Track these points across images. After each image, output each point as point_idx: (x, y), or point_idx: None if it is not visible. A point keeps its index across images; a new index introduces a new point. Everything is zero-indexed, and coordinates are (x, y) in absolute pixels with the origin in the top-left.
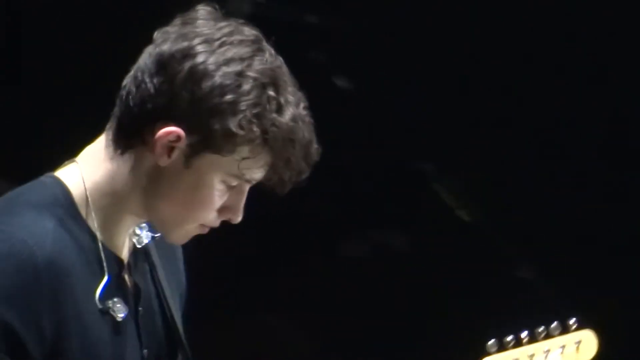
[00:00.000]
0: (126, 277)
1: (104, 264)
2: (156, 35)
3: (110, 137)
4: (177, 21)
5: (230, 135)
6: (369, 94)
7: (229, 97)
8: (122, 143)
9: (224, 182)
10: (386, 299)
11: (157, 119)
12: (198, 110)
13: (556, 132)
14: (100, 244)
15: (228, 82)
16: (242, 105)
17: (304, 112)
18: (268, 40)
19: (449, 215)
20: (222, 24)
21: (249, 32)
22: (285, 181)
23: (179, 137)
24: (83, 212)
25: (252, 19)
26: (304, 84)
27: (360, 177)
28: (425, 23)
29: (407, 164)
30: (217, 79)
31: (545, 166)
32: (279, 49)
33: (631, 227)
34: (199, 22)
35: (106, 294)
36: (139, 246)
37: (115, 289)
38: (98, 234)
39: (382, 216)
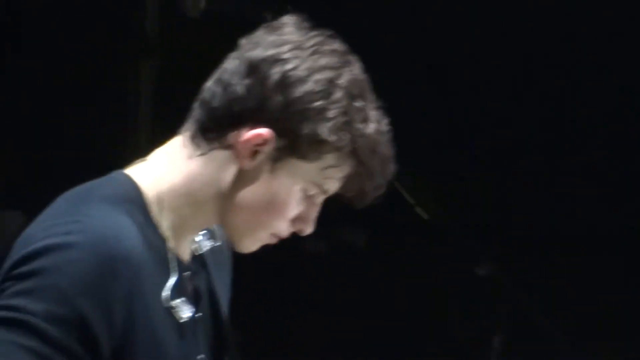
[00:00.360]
0: (189, 283)
1: (172, 265)
2: (242, 42)
3: (190, 138)
4: (264, 29)
5: (318, 142)
6: None
7: (320, 103)
8: (205, 144)
9: (303, 190)
10: (347, 295)
11: (245, 122)
12: (288, 114)
13: (513, 126)
14: (167, 245)
15: (319, 88)
16: (332, 113)
17: (385, 129)
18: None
19: (408, 212)
20: (312, 33)
21: (339, 44)
22: (365, 194)
23: (266, 141)
24: (154, 212)
25: (207, 14)
26: None
27: None
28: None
29: None
30: (309, 84)
31: (501, 162)
32: (234, 45)
33: (591, 221)
34: (287, 29)
35: (173, 294)
36: (197, 253)
37: (181, 290)
38: (167, 235)
39: (343, 213)
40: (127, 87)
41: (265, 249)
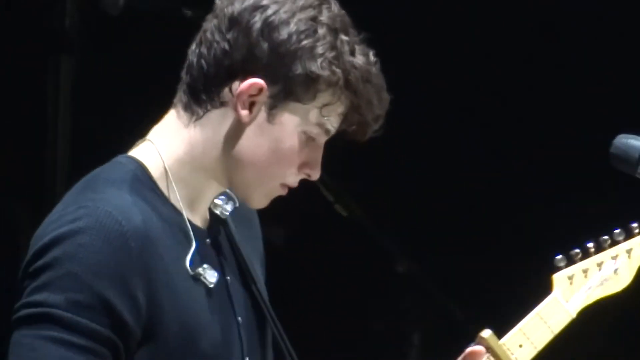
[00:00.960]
0: (211, 249)
1: (190, 232)
2: (218, 1)
3: (183, 106)
4: None
5: (312, 80)
6: None
7: (307, 41)
8: (199, 107)
9: (305, 132)
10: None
11: (235, 75)
12: (277, 59)
13: (429, 126)
14: (184, 215)
15: (303, 27)
16: (320, 49)
17: (373, 59)
18: None
19: (327, 210)
20: None
21: None
22: (366, 125)
23: (261, 89)
24: (162, 186)
25: (127, 10)
26: (178, 74)
27: None
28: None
29: None
30: (293, 25)
31: (421, 161)
32: (154, 41)
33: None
34: None
35: (195, 262)
36: (223, 217)
37: (203, 257)
38: (180, 205)
39: (261, 211)
40: (47, 83)
41: None
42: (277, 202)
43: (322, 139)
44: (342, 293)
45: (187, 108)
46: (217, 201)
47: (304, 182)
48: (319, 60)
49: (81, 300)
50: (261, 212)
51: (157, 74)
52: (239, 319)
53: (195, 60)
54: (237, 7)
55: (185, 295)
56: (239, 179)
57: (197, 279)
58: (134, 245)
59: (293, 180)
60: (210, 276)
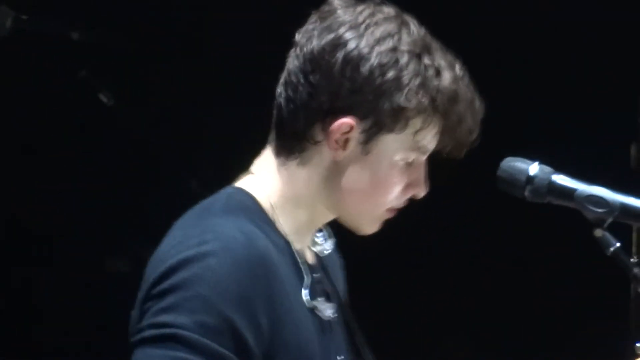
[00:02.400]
0: (316, 283)
1: (301, 266)
2: (297, 36)
3: (277, 146)
4: (314, 17)
5: (400, 112)
6: (133, 109)
7: (390, 74)
8: (294, 148)
9: (403, 159)
10: None
11: (324, 115)
12: (363, 95)
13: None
14: (293, 247)
15: (385, 60)
16: (405, 79)
17: (460, 73)
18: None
19: None
20: (360, 7)
21: (388, 9)
22: (461, 143)
23: (351, 127)
24: (272, 218)
25: (15, 34)
26: (69, 97)
27: (127, 192)
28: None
29: (174, 180)
30: (374, 59)
31: None
32: (44, 65)
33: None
34: (338, 12)
35: (311, 295)
36: (322, 255)
37: (313, 291)
38: (289, 238)
39: (144, 231)
40: None
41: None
42: (160, 222)
43: (422, 159)
44: None
45: (281, 149)
46: (316, 239)
47: (192, 202)
48: (405, 91)
49: (209, 322)
50: (144, 233)
51: (45, 94)
52: (341, 357)
53: (283, 102)
54: (316, 44)
55: (303, 326)
56: (344, 212)
57: (313, 311)
58: (259, 270)
59: (398, 202)
60: (326, 309)
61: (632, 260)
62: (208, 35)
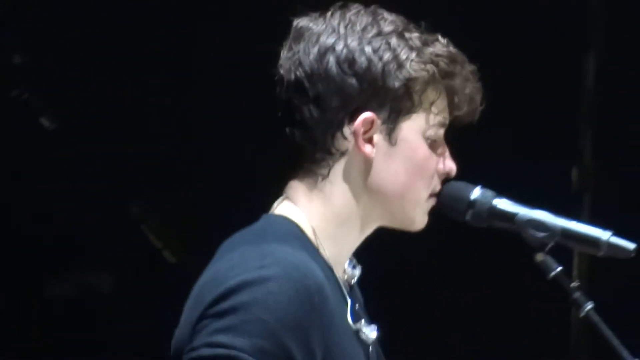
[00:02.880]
0: (354, 307)
1: (344, 290)
2: (281, 68)
3: (305, 170)
4: (286, 46)
5: (411, 87)
6: (74, 133)
7: (387, 56)
8: (322, 169)
9: (429, 137)
10: (95, 338)
11: (342, 122)
12: (371, 86)
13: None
14: (334, 272)
15: (377, 45)
16: (402, 55)
17: (445, 40)
18: None
19: (155, 255)
20: (328, 14)
21: (354, 5)
22: (472, 102)
23: (372, 121)
24: (315, 244)
25: None
26: (7, 122)
27: (64, 217)
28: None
29: (115, 204)
30: (366, 49)
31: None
32: None
33: None
34: (309, 26)
35: (354, 317)
36: (352, 282)
37: (355, 313)
38: (330, 263)
39: (88, 256)
40: None
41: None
42: (101, 248)
43: (442, 135)
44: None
45: (309, 172)
46: (347, 268)
47: (133, 228)
48: (407, 65)
49: (267, 347)
50: (88, 258)
51: None
52: None
53: (294, 132)
54: (306, 63)
55: (352, 353)
56: (395, 211)
57: (358, 335)
58: (317, 299)
59: (437, 184)
60: (370, 332)
61: (572, 284)
62: (143, 54)
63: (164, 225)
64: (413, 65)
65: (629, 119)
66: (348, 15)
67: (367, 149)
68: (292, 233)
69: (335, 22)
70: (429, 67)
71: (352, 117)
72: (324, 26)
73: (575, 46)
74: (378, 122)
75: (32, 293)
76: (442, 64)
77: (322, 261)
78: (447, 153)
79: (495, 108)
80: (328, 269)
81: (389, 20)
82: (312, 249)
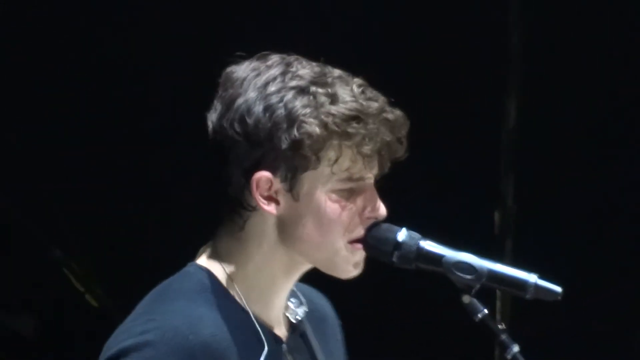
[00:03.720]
0: (287, 356)
1: (262, 336)
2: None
3: (225, 220)
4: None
5: (300, 146)
6: None
7: (278, 113)
8: (238, 219)
9: (337, 191)
10: None
11: (244, 182)
12: (260, 146)
13: None
14: (254, 319)
15: (271, 102)
16: (294, 113)
17: (358, 90)
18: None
19: (78, 299)
20: (247, 63)
21: (273, 56)
22: (386, 156)
23: (269, 180)
24: (232, 292)
25: None
26: None
27: None
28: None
29: (37, 249)
30: (258, 106)
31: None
32: None
33: None
34: (232, 75)
35: None
36: (296, 322)
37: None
38: (249, 309)
39: (9, 300)
40: None
41: None
42: (27, 290)
43: (365, 184)
44: None
45: (229, 221)
46: (289, 304)
47: (53, 270)
48: (296, 125)
49: None
50: (8, 302)
51: None
52: None
53: (216, 184)
54: (215, 118)
55: None
56: (315, 260)
57: None
58: (201, 358)
59: (357, 231)
60: None
61: (499, 326)
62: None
63: (84, 269)
64: (303, 126)
65: (550, 162)
66: (260, 67)
67: (270, 207)
68: (201, 285)
69: (245, 73)
70: (316, 127)
71: (248, 177)
72: (237, 76)
73: (496, 88)
74: (276, 180)
75: None
76: (333, 123)
77: (236, 309)
78: (374, 198)
79: (416, 150)
80: (243, 315)
81: (299, 73)
82: (223, 296)
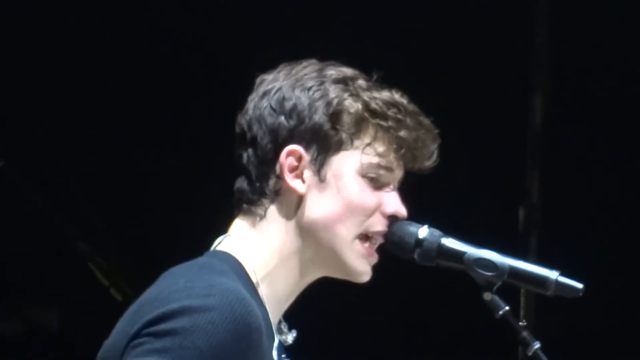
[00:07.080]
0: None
1: (272, 328)
2: (237, 128)
3: (244, 212)
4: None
5: (337, 121)
6: (22, 171)
7: (317, 94)
8: (258, 208)
9: (363, 176)
10: None
11: (272, 160)
12: (297, 121)
13: None
14: (267, 311)
15: (309, 85)
16: (332, 94)
17: (398, 95)
18: None
19: (103, 294)
20: (280, 67)
21: (307, 62)
22: (417, 156)
23: (300, 157)
24: (254, 283)
25: None
26: None
27: (9, 258)
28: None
29: (63, 243)
30: (298, 89)
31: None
32: None
33: None
34: (263, 79)
35: (279, 355)
36: (285, 344)
37: (281, 351)
38: (264, 301)
39: (35, 294)
40: None
41: None
42: (49, 288)
43: (387, 178)
44: None
45: (249, 212)
46: (283, 327)
47: (79, 264)
48: (335, 102)
49: None
50: (34, 296)
51: None
52: None
53: (239, 178)
54: (249, 111)
55: None
56: (327, 249)
57: None
58: (255, 337)
59: (378, 224)
60: None
61: (520, 323)
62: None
63: (110, 264)
64: (343, 102)
65: (576, 158)
66: (296, 67)
67: (296, 183)
68: (235, 270)
69: (281, 72)
70: (357, 104)
71: (279, 151)
72: (272, 76)
73: (521, 85)
74: (307, 157)
75: None
76: (374, 105)
77: (258, 299)
78: (397, 197)
79: (443, 147)
80: (263, 308)
81: (336, 69)
82: (251, 287)
